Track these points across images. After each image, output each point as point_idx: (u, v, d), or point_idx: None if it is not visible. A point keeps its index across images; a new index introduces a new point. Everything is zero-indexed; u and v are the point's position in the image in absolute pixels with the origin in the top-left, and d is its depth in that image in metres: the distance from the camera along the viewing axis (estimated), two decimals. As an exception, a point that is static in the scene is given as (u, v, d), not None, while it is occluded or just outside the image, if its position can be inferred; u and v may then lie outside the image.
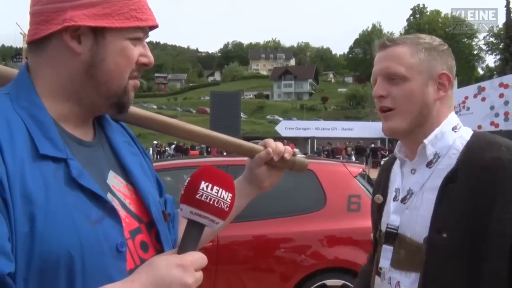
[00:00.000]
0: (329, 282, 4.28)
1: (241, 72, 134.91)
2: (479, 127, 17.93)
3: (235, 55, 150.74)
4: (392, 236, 1.42)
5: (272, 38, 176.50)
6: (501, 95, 18.85)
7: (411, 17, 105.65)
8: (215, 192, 0.90)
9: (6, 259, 0.80)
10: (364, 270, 1.76)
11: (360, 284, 1.74)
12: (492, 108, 18.92)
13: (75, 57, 0.98)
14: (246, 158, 1.40)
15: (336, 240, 4.39)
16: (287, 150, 1.36)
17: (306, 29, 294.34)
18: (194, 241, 0.93)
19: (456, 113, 1.45)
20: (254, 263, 4.38)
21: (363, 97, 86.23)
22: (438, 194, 1.31)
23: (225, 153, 8.35)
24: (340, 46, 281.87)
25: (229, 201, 0.92)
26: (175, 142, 34.57)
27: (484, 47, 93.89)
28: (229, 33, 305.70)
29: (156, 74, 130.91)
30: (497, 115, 18.80)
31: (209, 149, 25.63)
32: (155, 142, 35.74)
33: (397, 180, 1.50)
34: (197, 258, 0.90)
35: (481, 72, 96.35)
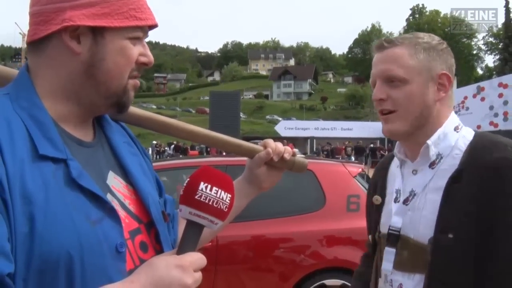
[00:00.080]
0: (328, 282, 4.28)
1: (241, 72, 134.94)
2: (478, 127, 17.95)
3: (235, 55, 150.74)
4: (395, 238, 1.40)
5: (272, 38, 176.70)
6: (500, 95, 18.88)
7: (411, 17, 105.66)
8: (214, 192, 0.90)
9: (5, 260, 0.80)
10: (359, 272, 1.73)
11: (358, 286, 1.71)
12: (491, 108, 18.96)
13: (74, 57, 0.98)
14: (245, 158, 1.40)
15: (336, 240, 4.39)
16: (287, 150, 1.36)
17: (305, 29, 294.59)
18: (193, 242, 0.93)
19: (456, 113, 1.43)
20: (253, 263, 4.38)
21: (363, 97, 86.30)
22: (443, 195, 1.29)
23: (224, 153, 8.35)
24: (340, 46, 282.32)
25: (228, 201, 0.92)
26: (174, 142, 34.56)
27: (483, 47, 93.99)
28: (228, 33, 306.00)
29: (156, 74, 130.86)
30: (496, 115, 18.84)
31: (208, 149, 25.62)
32: (154, 142, 35.73)
33: (397, 181, 1.48)
34: (196, 258, 0.90)
35: (480, 72, 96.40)
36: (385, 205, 1.51)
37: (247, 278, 4.37)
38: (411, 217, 1.37)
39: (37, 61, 1.01)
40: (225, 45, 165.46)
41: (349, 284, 4.14)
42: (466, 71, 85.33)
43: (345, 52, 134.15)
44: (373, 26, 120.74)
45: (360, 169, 4.99)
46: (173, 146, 34.30)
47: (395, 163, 1.56)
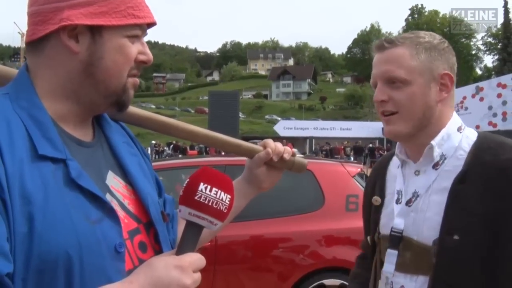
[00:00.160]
0: (327, 281, 4.28)
1: (240, 72, 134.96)
2: (477, 127, 17.95)
3: (234, 55, 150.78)
4: (397, 240, 1.38)
5: (271, 38, 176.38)
6: (499, 95, 18.90)
7: (410, 17, 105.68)
8: (214, 193, 0.90)
9: (4, 260, 0.80)
10: (355, 274, 1.71)
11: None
12: (490, 108, 18.97)
13: (73, 56, 0.98)
14: (245, 158, 1.40)
15: (334, 240, 4.39)
16: (286, 151, 1.35)
17: (304, 29, 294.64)
18: (193, 242, 0.93)
19: (455, 113, 1.43)
20: (252, 263, 4.38)
21: (362, 97, 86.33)
22: (449, 196, 1.27)
23: (223, 153, 8.35)
24: (339, 46, 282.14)
25: (228, 202, 0.92)
26: (173, 142, 34.55)
27: (482, 47, 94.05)
28: (227, 33, 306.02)
29: (155, 74, 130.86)
30: (495, 115, 18.86)
31: (207, 149, 25.61)
32: (153, 142, 35.70)
33: (398, 181, 1.46)
34: (196, 259, 0.90)
35: (479, 72, 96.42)
36: (385, 206, 1.49)
37: (246, 278, 4.36)
38: (414, 218, 1.35)
39: (36, 61, 1.01)
40: (224, 45, 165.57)
41: (348, 284, 4.14)
42: (465, 71, 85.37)
43: (344, 52, 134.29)
44: (372, 26, 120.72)
45: (359, 169, 5.00)
46: (172, 146, 34.28)
47: (394, 163, 1.54)
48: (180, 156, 25.48)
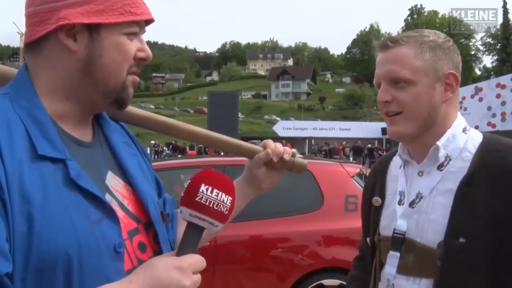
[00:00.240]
0: (326, 282, 4.28)
1: (239, 72, 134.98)
2: (476, 127, 17.90)
3: (233, 55, 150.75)
4: (399, 242, 1.36)
5: (270, 38, 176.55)
6: (498, 96, 18.90)
7: (409, 18, 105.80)
8: (215, 195, 0.90)
9: (3, 259, 0.80)
10: (353, 276, 1.68)
11: None
12: (489, 108, 18.97)
13: (71, 55, 0.98)
14: (244, 159, 1.39)
15: (334, 240, 4.39)
16: (286, 151, 1.35)
17: (304, 29, 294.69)
18: (193, 244, 0.93)
19: (454, 113, 1.42)
20: (251, 263, 4.37)
21: (361, 97, 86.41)
22: (455, 198, 1.25)
23: (222, 153, 8.34)
24: (338, 46, 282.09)
25: (229, 204, 0.92)
26: (173, 142, 34.54)
27: (481, 47, 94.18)
28: (227, 33, 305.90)
29: (154, 74, 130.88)
30: (494, 115, 18.86)
31: (206, 149, 25.61)
32: (152, 142, 35.70)
33: (400, 182, 1.43)
34: (196, 260, 0.89)
35: (478, 72, 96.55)
36: (386, 207, 1.47)
37: (245, 278, 4.36)
38: (417, 220, 1.33)
39: (35, 62, 1.01)
40: (224, 45, 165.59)
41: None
42: (464, 72, 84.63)
43: (343, 52, 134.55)
44: (371, 26, 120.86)
45: (358, 169, 5.00)
46: (171, 146, 34.27)
47: (395, 163, 1.51)
48: (179, 156, 25.49)
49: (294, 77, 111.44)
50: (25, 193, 0.85)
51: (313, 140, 39.70)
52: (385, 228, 1.44)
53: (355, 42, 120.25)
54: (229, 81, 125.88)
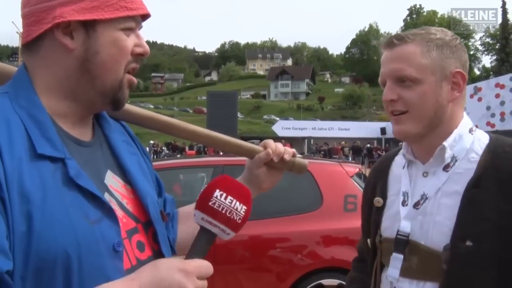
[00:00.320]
0: (325, 282, 4.28)
1: (238, 72, 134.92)
2: (476, 127, 17.96)
3: (232, 55, 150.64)
4: (403, 244, 1.33)
5: (269, 38, 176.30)
6: (497, 95, 18.92)
7: (408, 17, 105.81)
8: (229, 202, 0.89)
9: (4, 257, 0.80)
10: (353, 278, 1.65)
11: None
12: (488, 108, 18.99)
13: (68, 53, 0.98)
14: (243, 158, 1.39)
15: (333, 240, 4.39)
16: (287, 151, 1.34)
17: (303, 29, 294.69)
18: (203, 249, 0.91)
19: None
20: (250, 263, 4.38)
21: (360, 97, 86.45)
22: (462, 200, 1.22)
23: (221, 153, 8.34)
24: (337, 46, 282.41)
25: (243, 213, 0.90)
26: (172, 142, 34.53)
27: (480, 47, 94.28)
28: (226, 33, 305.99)
29: (153, 74, 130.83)
30: (493, 115, 18.88)
31: (205, 149, 25.61)
32: (151, 142, 35.70)
33: (404, 182, 1.40)
34: (202, 265, 0.88)
35: (477, 72, 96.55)
36: (387, 208, 1.44)
37: (245, 278, 4.37)
38: (422, 222, 1.30)
39: (32, 62, 1.01)
40: (223, 45, 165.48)
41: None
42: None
43: (342, 52, 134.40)
44: (370, 26, 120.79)
45: (357, 169, 5.00)
46: (170, 146, 34.28)
47: (397, 163, 1.49)
48: (178, 156, 25.48)
49: (293, 77, 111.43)
50: (25, 192, 0.85)
51: (312, 140, 39.70)
52: (387, 229, 1.41)
53: (354, 42, 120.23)
54: (228, 81, 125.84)
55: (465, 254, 1.19)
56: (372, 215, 1.49)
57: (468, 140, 1.31)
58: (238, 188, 0.93)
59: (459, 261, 1.20)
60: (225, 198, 0.89)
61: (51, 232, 0.86)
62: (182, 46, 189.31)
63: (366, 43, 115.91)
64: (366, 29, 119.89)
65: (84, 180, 0.94)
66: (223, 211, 0.89)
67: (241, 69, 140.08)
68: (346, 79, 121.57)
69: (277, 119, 62.39)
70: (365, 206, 1.56)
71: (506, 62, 66.27)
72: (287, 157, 1.34)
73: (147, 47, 1.07)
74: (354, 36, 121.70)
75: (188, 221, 1.32)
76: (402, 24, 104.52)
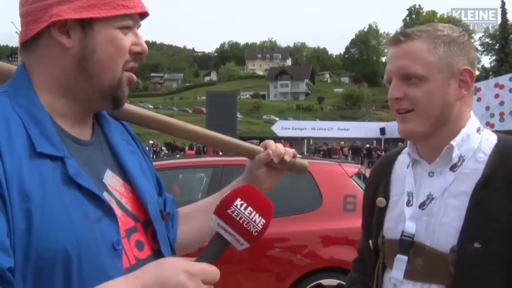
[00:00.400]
0: (324, 281, 4.28)
1: (238, 72, 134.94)
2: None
3: (232, 55, 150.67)
4: (407, 245, 1.30)
5: (269, 38, 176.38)
6: (497, 96, 18.95)
7: (407, 18, 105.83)
8: (248, 213, 0.87)
9: (5, 255, 0.80)
10: (353, 279, 1.62)
11: None
12: (487, 108, 19.01)
13: (65, 52, 0.98)
14: (243, 158, 1.39)
15: (332, 240, 4.40)
16: (287, 152, 1.34)
17: (302, 29, 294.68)
18: (214, 254, 0.90)
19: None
20: (250, 262, 4.38)
21: (359, 97, 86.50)
22: (471, 200, 1.19)
23: (220, 153, 8.35)
24: (337, 46, 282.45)
25: (261, 226, 0.88)
26: (172, 142, 34.53)
27: (479, 47, 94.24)
28: (225, 33, 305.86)
29: (152, 74, 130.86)
30: (492, 115, 18.90)
31: (205, 149, 25.61)
32: (151, 141, 35.70)
33: (408, 182, 1.37)
34: (208, 270, 0.85)
35: (476, 72, 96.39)
36: (390, 208, 1.40)
37: (244, 278, 4.37)
38: (427, 222, 1.27)
39: (31, 61, 1.01)
40: (222, 45, 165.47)
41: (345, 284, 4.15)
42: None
43: (342, 52, 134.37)
44: (370, 26, 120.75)
45: (357, 169, 5.00)
46: (169, 145, 34.29)
47: (400, 162, 1.46)
48: (177, 156, 25.48)
49: (292, 77, 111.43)
50: (24, 190, 0.85)
51: (311, 140, 39.73)
52: (390, 230, 1.38)
53: (353, 42, 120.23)
54: (228, 81, 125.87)
55: (473, 256, 1.16)
56: (374, 215, 1.45)
57: (476, 139, 1.28)
58: (261, 200, 0.91)
59: (466, 263, 1.17)
60: (245, 209, 0.87)
61: (50, 230, 0.86)
62: (182, 46, 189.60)
63: (366, 43, 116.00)
64: (366, 29, 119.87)
65: (83, 179, 0.94)
66: (241, 221, 0.87)
67: (240, 69, 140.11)
68: (345, 79, 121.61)
69: (277, 119, 62.43)
70: (367, 207, 1.52)
71: (506, 62, 66.33)
72: (287, 158, 1.33)
73: (145, 45, 1.06)
74: (353, 36, 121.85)
75: (188, 221, 1.32)
76: (401, 24, 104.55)
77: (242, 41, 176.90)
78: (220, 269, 0.88)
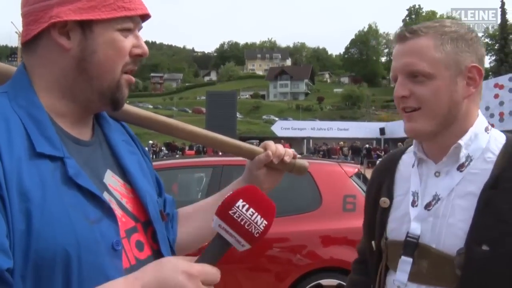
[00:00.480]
0: (324, 282, 4.28)
1: (237, 72, 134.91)
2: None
3: (231, 55, 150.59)
4: (412, 246, 1.26)
5: (268, 38, 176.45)
6: (496, 96, 18.95)
7: (407, 18, 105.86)
8: (250, 214, 0.87)
9: (4, 256, 0.80)
10: (354, 281, 1.60)
11: None
12: (487, 108, 19.01)
13: (65, 53, 0.98)
14: (242, 159, 1.39)
15: (332, 240, 4.40)
16: (287, 153, 1.33)
17: (302, 29, 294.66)
18: (214, 255, 0.89)
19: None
20: (249, 262, 4.38)
21: (359, 97, 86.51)
22: (479, 201, 1.16)
23: (220, 153, 8.34)
24: (336, 47, 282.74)
25: (262, 228, 0.88)
26: (171, 142, 34.53)
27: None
28: (225, 33, 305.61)
29: (152, 74, 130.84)
30: (492, 115, 18.90)
31: (204, 149, 25.60)
32: (150, 142, 35.70)
33: (413, 182, 1.33)
34: (208, 271, 0.85)
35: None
36: (394, 208, 1.37)
37: (244, 278, 4.36)
38: (433, 224, 1.24)
39: (31, 61, 1.01)
40: (222, 45, 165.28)
41: (345, 284, 4.15)
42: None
43: (341, 53, 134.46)
44: (369, 26, 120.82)
45: (356, 169, 5.00)
46: (169, 146, 34.29)
47: (404, 162, 1.43)
48: (177, 156, 25.48)
49: (292, 77, 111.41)
50: (24, 190, 0.85)
51: (311, 140, 39.74)
52: (394, 231, 1.35)
53: (353, 42, 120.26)
54: (227, 81, 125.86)
55: (481, 259, 1.13)
56: (377, 216, 1.42)
57: (484, 139, 1.25)
58: (263, 201, 0.90)
59: (474, 267, 1.14)
60: (247, 210, 0.87)
61: (50, 230, 0.86)
62: (181, 46, 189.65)
63: (365, 43, 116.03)
64: (365, 29, 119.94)
65: (83, 179, 0.94)
66: (242, 222, 0.86)
67: (240, 69, 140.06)
68: (345, 79, 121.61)
69: (276, 119, 62.47)
70: (369, 207, 1.49)
71: (505, 63, 66.38)
72: (287, 159, 1.33)
73: (145, 48, 1.06)
74: (353, 36, 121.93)
75: (188, 222, 1.32)
76: (401, 24, 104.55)
77: (241, 41, 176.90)
78: (220, 269, 0.88)
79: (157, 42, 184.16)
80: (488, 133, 1.26)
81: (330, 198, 4.49)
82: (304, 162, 1.38)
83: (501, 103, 18.77)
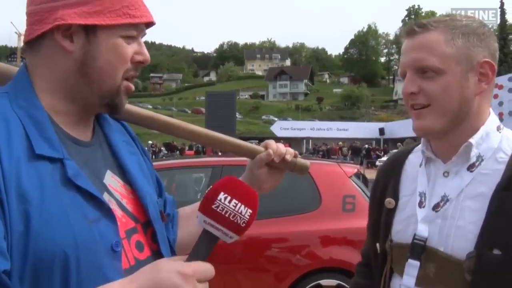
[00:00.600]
0: (324, 282, 4.29)
1: (237, 72, 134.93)
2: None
3: (231, 55, 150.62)
4: (419, 249, 1.21)
5: (268, 39, 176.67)
6: (496, 96, 18.89)
7: (406, 18, 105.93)
8: (233, 205, 0.86)
9: (1, 257, 0.80)
10: (358, 284, 1.55)
11: None
12: (486, 109, 19.02)
13: (67, 55, 0.98)
14: (242, 158, 1.39)
15: (331, 240, 4.40)
16: (288, 152, 1.32)
17: (301, 29, 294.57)
18: (205, 251, 0.89)
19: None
20: (249, 263, 4.38)
21: (358, 98, 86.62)
22: (491, 203, 1.11)
23: (220, 153, 8.34)
24: (336, 47, 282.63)
25: (248, 217, 0.87)
26: (171, 142, 34.53)
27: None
28: (224, 33, 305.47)
29: (152, 74, 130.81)
30: (491, 116, 18.90)
31: (204, 149, 25.59)
32: (150, 142, 35.70)
33: (421, 182, 1.29)
34: (202, 268, 0.85)
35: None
36: (400, 210, 1.33)
37: (243, 278, 4.37)
38: (441, 226, 1.19)
39: (33, 60, 1.01)
40: (221, 45, 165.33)
41: (344, 284, 4.16)
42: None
43: (341, 53, 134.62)
44: (369, 26, 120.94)
45: (356, 170, 5.01)
46: (168, 146, 34.29)
47: (411, 161, 1.38)
48: (176, 155, 25.47)
49: (291, 77, 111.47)
50: (23, 192, 0.85)
51: (310, 141, 39.75)
52: (399, 233, 1.31)
53: (352, 43, 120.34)
54: (227, 81, 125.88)
55: (493, 263, 1.08)
56: (382, 217, 1.38)
57: (496, 138, 1.20)
58: (244, 190, 0.90)
59: (485, 272, 1.09)
60: (229, 202, 0.86)
61: (49, 232, 0.85)
62: (181, 47, 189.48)
63: (365, 44, 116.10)
64: (365, 29, 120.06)
65: (82, 180, 0.93)
66: (227, 215, 0.86)
67: (239, 70, 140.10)
68: (344, 80, 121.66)
69: (276, 119, 62.49)
70: (374, 208, 1.45)
71: (505, 63, 66.36)
72: (288, 157, 1.32)
73: (147, 55, 1.06)
74: (352, 37, 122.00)
75: (188, 222, 1.32)
76: (400, 24, 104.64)
77: (241, 41, 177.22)
78: (220, 269, 0.88)
79: (157, 42, 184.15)
80: (500, 132, 1.22)
81: (330, 198, 4.50)
82: (305, 161, 1.37)
83: (501, 103, 18.75)
